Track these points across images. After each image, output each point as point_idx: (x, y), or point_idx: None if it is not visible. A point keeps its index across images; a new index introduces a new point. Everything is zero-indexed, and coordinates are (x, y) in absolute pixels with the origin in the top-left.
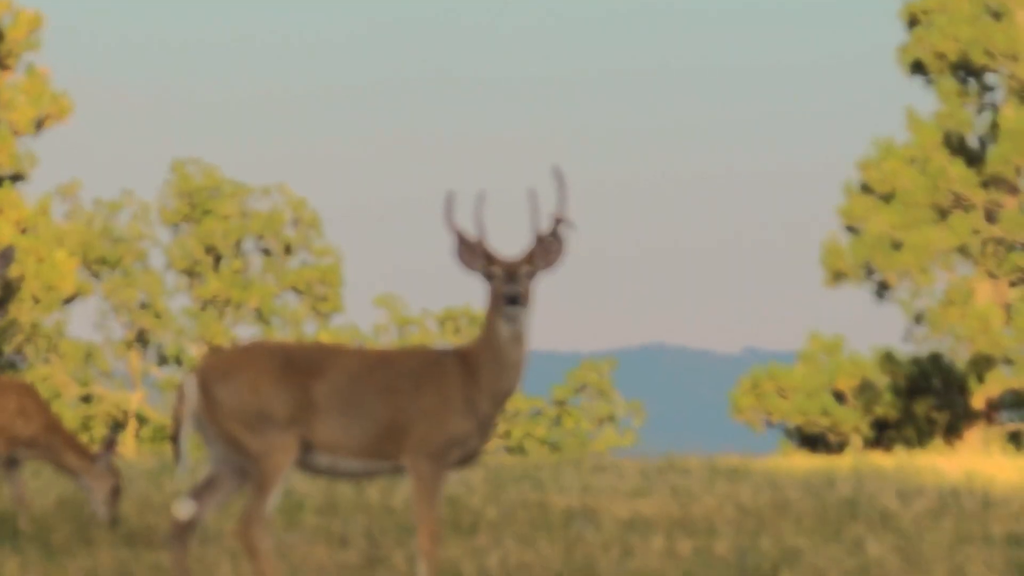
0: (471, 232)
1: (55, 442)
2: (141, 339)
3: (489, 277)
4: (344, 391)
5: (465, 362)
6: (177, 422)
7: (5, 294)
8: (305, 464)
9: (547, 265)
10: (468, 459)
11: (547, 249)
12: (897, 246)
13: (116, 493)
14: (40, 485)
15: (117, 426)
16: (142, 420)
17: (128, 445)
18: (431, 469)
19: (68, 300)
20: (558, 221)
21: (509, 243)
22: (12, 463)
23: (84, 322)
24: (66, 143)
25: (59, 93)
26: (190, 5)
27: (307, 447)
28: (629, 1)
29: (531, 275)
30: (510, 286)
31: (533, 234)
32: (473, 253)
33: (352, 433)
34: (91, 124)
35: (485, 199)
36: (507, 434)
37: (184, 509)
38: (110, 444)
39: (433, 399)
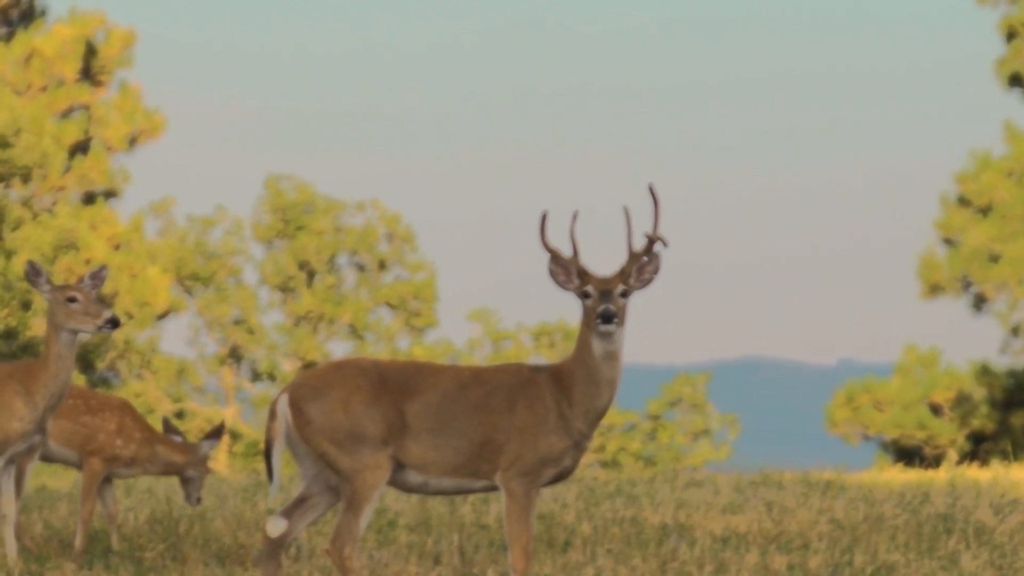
0: (565, 250)
1: (157, 454)
2: (234, 355)
3: (583, 296)
4: (437, 410)
5: (559, 380)
6: (269, 440)
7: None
8: (396, 482)
9: (641, 284)
10: (561, 477)
11: (641, 267)
12: (994, 259)
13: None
14: (132, 503)
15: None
16: (235, 436)
17: (221, 461)
18: (524, 487)
19: (161, 316)
20: (652, 240)
21: (604, 261)
22: (106, 480)
23: (177, 338)
24: (159, 159)
25: (152, 110)
26: (285, 21)
27: (398, 465)
28: (727, 9)
29: (625, 294)
30: (604, 305)
31: (627, 252)
32: (567, 272)
33: (445, 452)
34: (184, 140)
35: (579, 217)
36: (601, 448)
37: (276, 527)
38: (220, 432)
39: (527, 417)
